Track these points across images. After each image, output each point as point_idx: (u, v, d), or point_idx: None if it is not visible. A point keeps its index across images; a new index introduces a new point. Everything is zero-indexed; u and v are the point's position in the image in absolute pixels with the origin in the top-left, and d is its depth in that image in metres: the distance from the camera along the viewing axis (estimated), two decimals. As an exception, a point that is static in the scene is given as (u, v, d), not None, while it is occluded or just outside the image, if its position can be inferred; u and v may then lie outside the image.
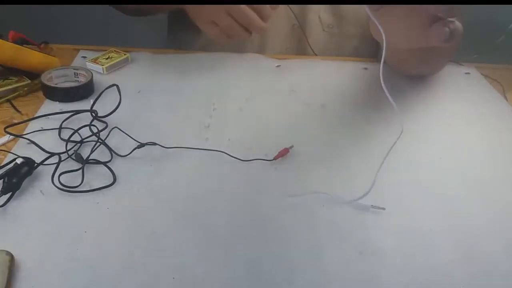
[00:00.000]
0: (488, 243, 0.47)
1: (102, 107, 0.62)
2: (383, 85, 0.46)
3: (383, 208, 0.49)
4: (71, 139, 0.57)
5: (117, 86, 0.64)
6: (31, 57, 0.69)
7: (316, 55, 0.87)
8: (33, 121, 0.60)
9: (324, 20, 0.86)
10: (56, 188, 0.49)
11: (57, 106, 0.65)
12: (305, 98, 0.71)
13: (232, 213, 0.49)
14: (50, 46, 0.82)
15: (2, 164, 0.51)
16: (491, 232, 0.48)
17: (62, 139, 0.57)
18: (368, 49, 0.90)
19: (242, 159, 0.56)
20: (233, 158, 0.56)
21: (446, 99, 0.73)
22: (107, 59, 0.75)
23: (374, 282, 0.42)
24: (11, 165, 0.50)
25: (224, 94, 0.70)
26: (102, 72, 0.73)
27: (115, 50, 0.77)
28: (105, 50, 0.78)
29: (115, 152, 0.55)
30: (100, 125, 0.60)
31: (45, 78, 0.66)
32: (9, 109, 0.64)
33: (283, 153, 0.57)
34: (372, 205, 0.49)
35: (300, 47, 0.88)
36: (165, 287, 0.41)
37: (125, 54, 0.76)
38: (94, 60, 0.74)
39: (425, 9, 0.49)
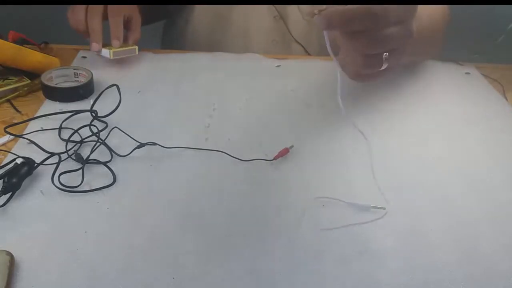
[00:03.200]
0: (488, 243, 0.47)
1: (102, 107, 0.62)
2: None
3: (383, 208, 0.49)
4: (71, 139, 0.57)
5: (117, 86, 0.64)
6: (31, 57, 0.69)
7: (301, 44, 0.87)
8: (33, 121, 0.60)
9: (303, 9, 0.86)
10: (56, 188, 0.49)
11: (57, 106, 0.65)
12: (305, 98, 0.71)
13: (232, 213, 0.49)
14: (50, 46, 0.82)
15: (2, 164, 0.51)
16: (491, 232, 0.48)
17: (62, 139, 0.57)
18: None
19: (242, 159, 0.56)
20: (233, 158, 0.56)
21: (446, 99, 0.73)
22: None
23: (374, 282, 0.42)
24: (11, 165, 0.50)
25: (224, 94, 0.70)
26: (108, 56, 0.73)
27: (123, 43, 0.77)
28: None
29: (115, 152, 0.55)
30: (100, 125, 0.60)
31: (45, 78, 0.66)
32: (9, 109, 0.64)
33: (283, 153, 0.57)
34: (372, 206, 0.49)
35: (285, 39, 0.88)
36: (165, 287, 0.41)
37: (133, 45, 0.76)
38: (103, 45, 0.74)
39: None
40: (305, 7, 0.85)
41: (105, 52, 0.73)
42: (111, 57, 0.73)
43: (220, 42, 0.88)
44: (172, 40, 0.97)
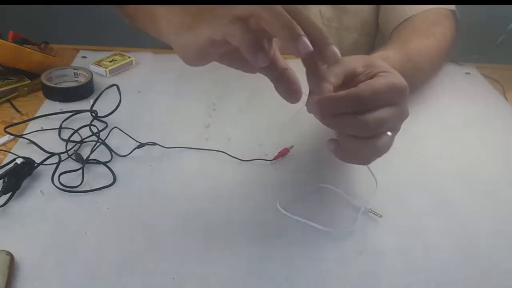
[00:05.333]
0: (488, 243, 0.47)
1: (102, 107, 0.62)
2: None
3: (380, 216, 0.49)
4: (71, 139, 0.57)
5: (117, 86, 0.64)
6: (31, 57, 0.69)
7: None
8: (33, 121, 0.60)
9: (324, 14, 0.86)
10: (56, 188, 0.49)
11: (57, 106, 0.65)
12: (305, 98, 0.71)
13: (232, 213, 0.49)
14: (50, 46, 0.82)
15: (2, 164, 0.51)
16: (491, 232, 0.48)
17: (62, 139, 0.57)
18: (366, 42, 0.91)
19: (242, 159, 0.56)
20: (233, 158, 0.56)
21: (446, 99, 0.73)
22: (111, 62, 0.74)
23: (374, 282, 0.42)
24: (11, 165, 0.50)
25: (224, 94, 0.70)
26: (105, 75, 0.73)
27: (120, 53, 0.77)
28: (105, 50, 0.77)
29: (115, 152, 0.55)
30: (100, 125, 0.60)
31: (45, 78, 0.66)
32: (9, 109, 0.64)
33: (283, 153, 0.57)
34: (370, 209, 0.49)
35: None
36: (165, 287, 0.41)
37: (129, 58, 0.76)
38: (98, 63, 0.74)
39: None
40: (327, 12, 0.85)
41: (101, 70, 0.73)
42: (108, 75, 0.73)
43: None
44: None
